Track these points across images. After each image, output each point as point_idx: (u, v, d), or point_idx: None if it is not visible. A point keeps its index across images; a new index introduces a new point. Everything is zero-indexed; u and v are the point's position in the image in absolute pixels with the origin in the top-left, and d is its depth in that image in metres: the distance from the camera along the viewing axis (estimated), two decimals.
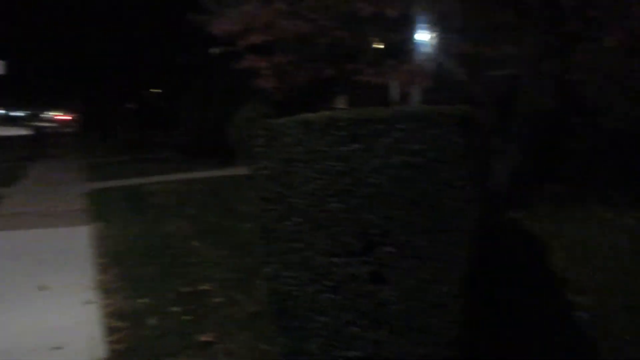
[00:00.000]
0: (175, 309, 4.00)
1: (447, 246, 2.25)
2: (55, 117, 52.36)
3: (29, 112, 54.22)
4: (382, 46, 8.07)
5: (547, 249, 4.78)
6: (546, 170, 7.83)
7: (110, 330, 3.63)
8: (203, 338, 3.45)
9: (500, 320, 3.13)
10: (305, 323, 2.46)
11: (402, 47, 7.34)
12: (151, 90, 26.81)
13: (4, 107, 54.53)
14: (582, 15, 6.23)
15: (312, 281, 2.45)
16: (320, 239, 2.40)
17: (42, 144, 21.70)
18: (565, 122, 8.46)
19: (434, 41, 7.69)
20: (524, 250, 4.88)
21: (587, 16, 6.21)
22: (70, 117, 44.64)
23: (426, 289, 2.28)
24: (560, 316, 3.45)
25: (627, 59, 6.68)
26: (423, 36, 8.01)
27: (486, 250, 3.54)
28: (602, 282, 3.96)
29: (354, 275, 2.36)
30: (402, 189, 2.19)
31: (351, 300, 2.39)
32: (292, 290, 2.45)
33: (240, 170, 9.95)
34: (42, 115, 53.29)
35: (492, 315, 3.09)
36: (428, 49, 7.49)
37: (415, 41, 7.59)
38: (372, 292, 2.34)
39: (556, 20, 6.44)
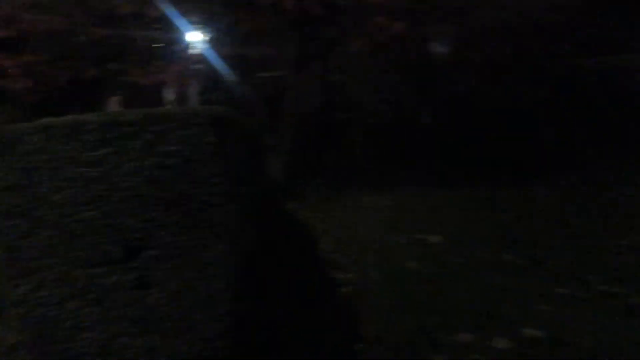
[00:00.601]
0: None
1: (211, 242, 2.31)
2: None
3: None
4: (154, 45, 7.83)
5: (318, 233, 5.22)
6: (316, 162, 8.53)
7: None
8: None
9: (273, 305, 3.32)
10: (68, 344, 2.29)
11: (171, 47, 7.23)
12: None
13: None
14: (334, 23, 6.93)
15: (72, 297, 2.29)
16: (77, 251, 2.25)
17: None
18: (332, 119, 9.33)
19: (204, 42, 7.75)
20: (299, 238, 5.23)
21: (337, 24, 6.94)
22: None
23: (194, 287, 2.31)
24: (328, 293, 3.81)
25: (372, 61, 7.63)
26: (193, 37, 8.00)
27: (265, 240, 3.73)
28: (360, 259, 4.48)
29: (118, 284, 2.27)
30: (159, 191, 2.18)
31: (118, 310, 2.30)
32: (48, 311, 2.25)
33: None
34: None
35: (267, 302, 3.27)
36: (198, 50, 7.51)
37: (184, 42, 7.55)
38: (139, 298, 2.28)
39: (312, 27, 7.04)
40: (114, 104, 12.09)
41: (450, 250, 4.66)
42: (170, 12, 6.21)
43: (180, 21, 6.66)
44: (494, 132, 9.65)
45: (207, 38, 8.02)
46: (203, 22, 7.64)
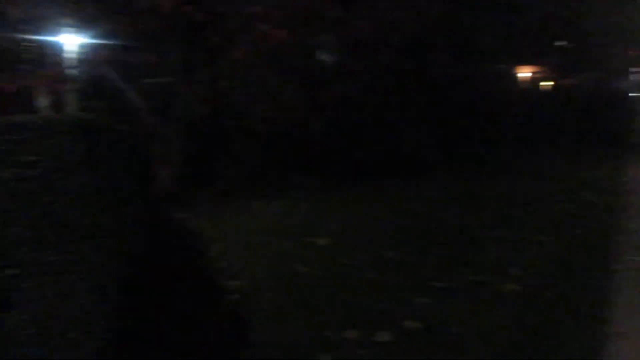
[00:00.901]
0: None
1: (82, 257, 2.19)
2: None
3: None
4: (21, 49, 7.24)
5: (208, 242, 5.12)
6: (207, 170, 8.39)
7: None
8: None
9: (158, 317, 3.21)
10: None
11: (41, 51, 6.74)
12: None
13: None
14: (218, 30, 6.87)
15: None
16: None
17: None
18: (222, 126, 9.21)
19: (80, 46, 7.31)
20: (188, 247, 5.10)
21: (222, 31, 6.89)
22: None
23: (63, 304, 2.17)
24: (217, 302, 3.75)
25: (257, 69, 7.68)
26: (68, 40, 7.52)
27: (150, 252, 3.59)
28: (251, 265, 4.48)
29: None
30: (20, 204, 2.03)
31: None
32: None
33: None
34: None
35: (151, 315, 3.15)
36: (73, 54, 7.06)
37: (56, 45, 7.06)
38: None
39: (196, 34, 6.93)
40: None
41: (337, 252, 4.80)
42: (39, 13, 5.78)
43: (50, 23, 6.24)
44: (377, 136, 10.12)
45: (84, 42, 7.59)
46: (78, 26, 7.22)
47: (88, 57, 7.50)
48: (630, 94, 23.23)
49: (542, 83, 20.88)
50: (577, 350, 3.00)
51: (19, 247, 2.06)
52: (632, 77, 23.24)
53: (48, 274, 2.14)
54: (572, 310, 3.54)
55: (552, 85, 21.24)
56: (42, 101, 9.01)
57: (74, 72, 6.93)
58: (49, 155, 2.05)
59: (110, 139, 2.65)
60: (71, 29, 7.21)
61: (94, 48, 7.52)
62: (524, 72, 19.58)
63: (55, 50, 7.25)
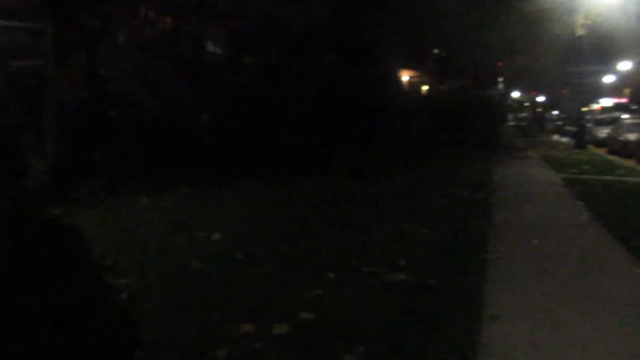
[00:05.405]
0: None
1: None
2: None
3: None
4: None
5: (89, 240, 4.79)
6: (86, 163, 7.84)
7: None
8: None
9: (36, 321, 2.96)
10: None
11: None
12: None
13: None
14: (99, 12, 6.44)
15: None
16: None
17: None
18: (101, 115, 8.65)
19: None
20: (66, 245, 4.74)
21: (104, 13, 6.47)
22: None
23: None
24: (102, 302, 3.53)
25: (140, 55, 7.33)
26: None
27: (21, 250, 3.27)
28: (140, 262, 4.27)
29: None
30: None
31: None
32: None
33: None
34: None
35: (27, 318, 2.89)
36: None
37: None
38: None
39: (72, 13, 6.43)
40: None
41: (231, 246, 4.74)
42: None
43: None
44: (267, 130, 10.14)
45: None
46: None
47: None
48: (496, 101, 25.58)
49: (422, 87, 22.27)
50: (458, 333, 3.25)
51: None
52: (500, 86, 25.65)
53: None
54: (453, 296, 3.82)
55: (429, 90, 22.74)
56: None
57: None
58: None
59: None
60: None
61: None
62: (405, 76, 20.72)
63: None
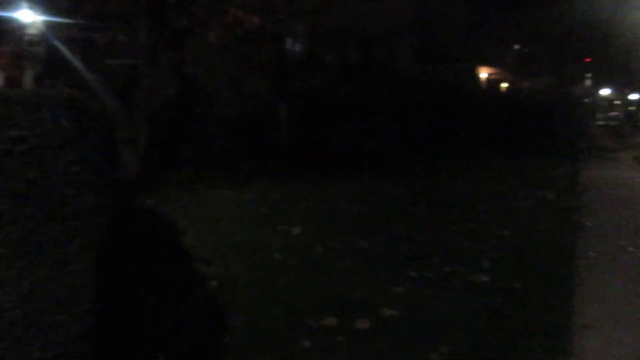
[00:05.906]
0: None
1: (68, 237, 2.12)
2: None
3: None
4: None
5: (178, 229, 5.04)
6: (173, 156, 8.23)
7: None
8: None
9: (137, 303, 3.15)
10: None
11: (1, 27, 6.43)
12: None
13: None
14: (187, 12, 6.71)
15: None
16: None
17: None
18: (187, 111, 9.05)
19: (41, 24, 7.01)
20: (158, 233, 5.02)
21: (191, 13, 6.74)
22: None
23: (49, 285, 2.10)
24: (194, 288, 3.71)
25: (226, 52, 7.56)
26: (27, 17, 7.19)
27: (121, 237, 3.50)
28: (226, 252, 4.43)
29: None
30: (4, 181, 1.94)
31: None
32: None
33: None
34: None
35: (130, 300, 3.09)
36: (33, 31, 6.76)
37: (17, 21, 6.74)
38: None
39: (164, 15, 6.74)
40: None
41: (311, 241, 4.81)
42: None
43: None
44: (346, 128, 10.17)
45: (46, 20, 7.28)
46: (40, 2, 6.93)
47: (50, 36, 7.22)
48: (584, 100, 24.23)
49: (502, 85, 21.47)
50: (547, 340, 3.13)
51: (7, 226, 1.97)
52: (586, 83, 24.22)
53: (34, 253, 2.06)
54: (539, 302, 3.67)
55: (508, 87, 21.89)
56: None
57: (36, 50, 6.65)
58: (37, 130, 1.96)
59: (93, 119, 2.58)
60: (33, 6, 6.91)
61: (56, 26, 7.24)
62: (484, 73, 20.07)
63: (15, 26, 6.94)
